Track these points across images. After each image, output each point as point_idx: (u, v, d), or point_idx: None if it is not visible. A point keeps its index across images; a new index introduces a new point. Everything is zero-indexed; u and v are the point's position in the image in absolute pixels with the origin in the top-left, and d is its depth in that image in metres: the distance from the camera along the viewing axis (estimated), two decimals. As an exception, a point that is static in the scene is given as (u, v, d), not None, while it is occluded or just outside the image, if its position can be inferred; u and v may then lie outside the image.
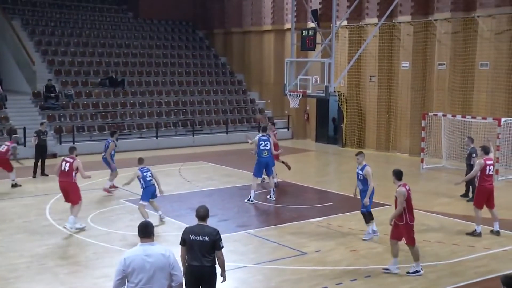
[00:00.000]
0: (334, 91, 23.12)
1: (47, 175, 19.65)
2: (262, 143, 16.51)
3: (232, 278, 10.06)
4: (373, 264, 11.38)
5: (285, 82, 22.50)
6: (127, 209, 15.53)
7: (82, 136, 26.07)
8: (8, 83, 28.73)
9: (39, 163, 20.08)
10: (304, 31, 22.35)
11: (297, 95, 21.64)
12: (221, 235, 7.83)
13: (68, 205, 13.85)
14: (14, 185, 18.27)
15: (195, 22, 37.55)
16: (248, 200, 16.41)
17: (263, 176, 17.66)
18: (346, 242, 12.81)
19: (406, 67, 25.28)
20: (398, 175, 10.93)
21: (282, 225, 14.33)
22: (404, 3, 25.02)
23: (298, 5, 27.14)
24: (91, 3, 35.75)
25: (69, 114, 26.83)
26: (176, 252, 7.04)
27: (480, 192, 13.40)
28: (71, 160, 13.63)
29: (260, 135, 17.01)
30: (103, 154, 17.77)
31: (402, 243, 10.95)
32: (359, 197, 13.07)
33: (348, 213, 15.15)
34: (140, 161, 14.15)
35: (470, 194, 16.47)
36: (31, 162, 20.01)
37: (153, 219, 13.31)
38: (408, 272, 10.80)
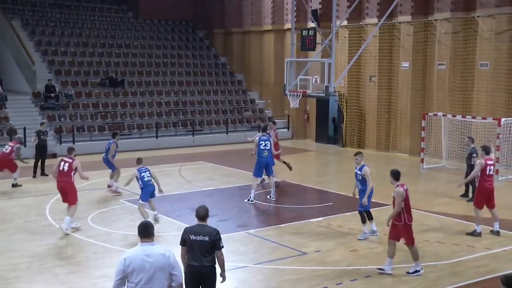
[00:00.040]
0: (334, 91, 23.10)
1: (47, 175, 19.60)
2: (262, 143, 16.50)
3: (232, 278, 10.06)
4: (373, 264, 11.36)
5: (285, 82, 22.49)
6: (127, 209, 15.53)
7: (82, 136, 26.08)
8: (8, 83, 28.73)
9: (39, 163, 20.09)
10: (304, 31, 22.34)
11: (297, 95, 21.63)
12: (221, 235, 7.83)
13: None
14: (14, 185, 18.28)
15: (195, 22, 37.54)
16: (248, 200, 16.41)
17: (263, 176, 17.66)
18: (346, 242, 12.81)
19: (406, 67, 25.27)
20: (395, 175, 10.93)
21: (282, 225, 14.33)
22: (404, 3, 25.01)
23: (298, 5, 27.13)
24: (91, 3, 35.74)
25: (69, 114, 26.82)
26: (176, 252, 7.04)
27: (480, 192, 13.41)
28: (70, 160, 13.59)
29: (260, 135, 17.01)
30: (103, 154, 17.78)
31: (401, 243, 10.95)
32: (358, 197, 13.08)
33: (348, 213, 15.13)
34: (139, 161, 14.18)
35: (470, 194, 16.48)
36: (31, 162, 19.99)
37: (151, 218, 13.31)
38: (408, 272, 10.79)
